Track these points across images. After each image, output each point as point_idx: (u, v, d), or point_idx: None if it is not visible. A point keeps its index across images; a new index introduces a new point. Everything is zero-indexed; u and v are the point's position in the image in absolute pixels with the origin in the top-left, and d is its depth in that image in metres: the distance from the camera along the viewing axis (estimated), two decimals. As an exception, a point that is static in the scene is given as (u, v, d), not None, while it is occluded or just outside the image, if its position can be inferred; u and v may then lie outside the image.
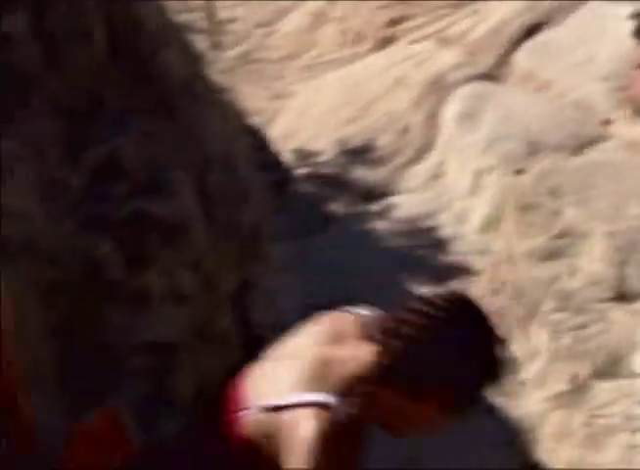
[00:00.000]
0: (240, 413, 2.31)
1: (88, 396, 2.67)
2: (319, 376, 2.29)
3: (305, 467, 2.20)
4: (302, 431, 2.21)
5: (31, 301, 2.72)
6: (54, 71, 3.32)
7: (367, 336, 2.31)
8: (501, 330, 4.94)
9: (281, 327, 4.53)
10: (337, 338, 2.33)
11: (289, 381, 2.31)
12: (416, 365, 2.29)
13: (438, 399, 2.30)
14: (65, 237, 2.95)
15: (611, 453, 4.28)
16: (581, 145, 5.86)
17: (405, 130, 6.48)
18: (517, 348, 5.07)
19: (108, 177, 3.22)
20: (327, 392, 2.26)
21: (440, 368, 2.28)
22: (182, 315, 3.17)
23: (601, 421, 4.51)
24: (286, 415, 2.24)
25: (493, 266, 5.44)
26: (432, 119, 6.47)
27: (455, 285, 5.39)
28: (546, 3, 7.19)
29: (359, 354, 2.28)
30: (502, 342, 2.42)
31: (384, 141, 6.44)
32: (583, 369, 4.74)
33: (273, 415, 2.25)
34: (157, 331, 3.05)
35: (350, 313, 2.33)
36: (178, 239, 3.34)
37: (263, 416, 2.25)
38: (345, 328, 2.35)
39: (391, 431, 2.39)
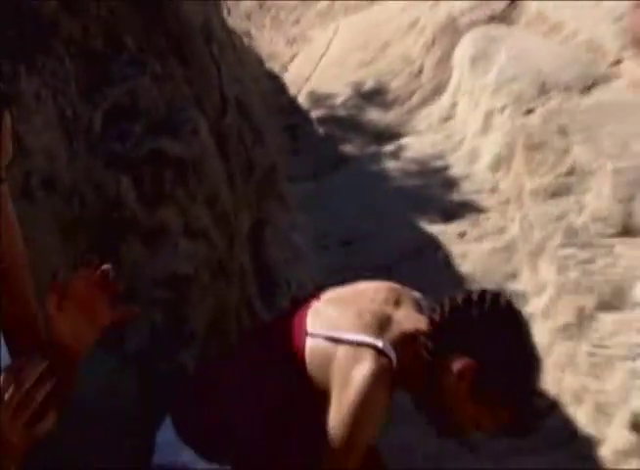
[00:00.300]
0: (303, 338, 2.38)
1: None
2: (379, 325, 2.38)
3: (354, 401, 2.27)
4: (359, 368, 2.29)
5: (52, 236, 2.73)
6: (72, 15, 3.25)
7: (423, 310, 2.40)
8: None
9: (295, 264, 4.60)
10: (395, 302, 2.41)
11: (352, 321, 2.39)
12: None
13: (495, 409, 2.37)
14: (84, 174, 2.94)
15: (614, 381, 4.29)
16: (590, 85, 5.82)
17: (418, 73, 6.46)
18: (525, 282, 5.09)
19: (126, 116, 3.20)
20: (384, 340, 2.33)
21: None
22: (198, 250, 3.16)
23: (604, 351, 4.52)
24: (343, 348, 2.32)
25: (502, 204, 5.44)
26: (444, 62, 6.45)
27: (466, 224, 5.42)
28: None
29: (415, 321, 2.36)
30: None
31: (397, 84, 6.43)
32: (589, 302, 4.74)
33: (332, 345, 2.32)
34: (173, 265, 3.04)
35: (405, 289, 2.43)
36: (194, 177, 3.33)
37: (324, 344, 2.32)
38: (403, 298, 2.43)
39: (437, 419, 2.45)
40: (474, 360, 2.25)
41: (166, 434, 2.42)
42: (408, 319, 2.37)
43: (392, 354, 2.31)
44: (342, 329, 2.37)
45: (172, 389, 2.59)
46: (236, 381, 2.46)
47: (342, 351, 2.33)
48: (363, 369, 2.29)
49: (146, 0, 3.72)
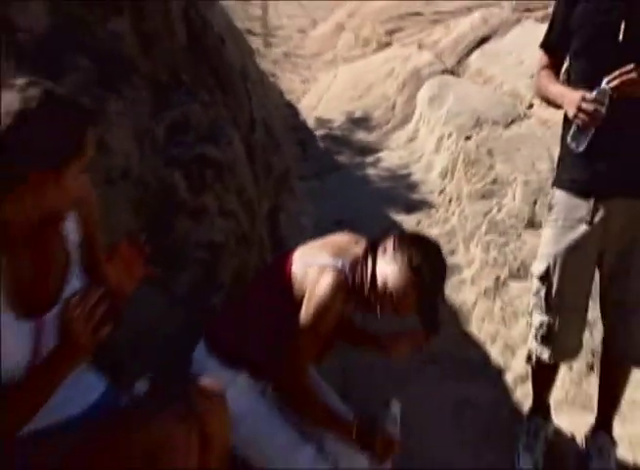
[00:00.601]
0: (290, 268, 2.38)
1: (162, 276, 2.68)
2: (340, 252, 2.36)
3: (317, 302, 2.28)
4: (322, 281, 2.29)
5: (126, 213, 2.71)
6: (147, 57, 3.23)
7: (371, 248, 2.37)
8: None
9: (302, 239, 4.56)
10: (355, 242, 2.40)
11: (321, 251, 2.39)
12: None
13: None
14: (150, 170, 2.90)
15: (517, 328, 4.28)
16: (510, 121, 5.80)
17: (392, 107, 6.40)
18: (460, 258, 5.06)
19: (181, 130, 3.16)
20: (342, 262, 2.32)
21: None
22: (229, 226, 3.13)
23: (512, 308, 4.50)
24: (312, 269, 2.32)
25: (447, 202, 5.41)
26: (411, 100, 6.40)
27: (421, 215, 5.38)
28: (494, 20, 7.03)
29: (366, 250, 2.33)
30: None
31: (377, 114, 6.37)
32: (503, 273, 4.72)
33: (307, 269, 2.32)
34: (210, 235, 3.00)
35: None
36: (228, 175, 3.29)
37: (302, 269, 2.32)
38: (361, 240, 2.41)
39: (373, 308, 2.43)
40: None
41: (199, 352, 2.43)
42: (362, 249, 2.37)
43: (347, 271, 2.31)
44: (314, 257, 2.38)
45: (205, 320, 2.60)
46: (248, 305, 2.46)
47: (311, 271, 2.33)
48: (324, 281, 2.29)
49: (198, 48, 3.69)
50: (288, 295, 2.35)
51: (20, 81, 1.62)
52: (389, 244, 2.34)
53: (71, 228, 1.84)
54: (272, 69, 6.91)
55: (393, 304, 2.30)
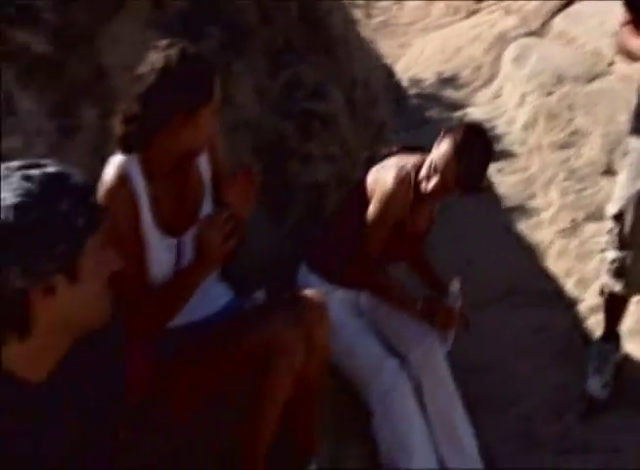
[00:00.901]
0: (365, 183, 2.42)
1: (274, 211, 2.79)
2: (407, 159, 2.41)
3: (382, 194, 2.34)
4: (388, 177, 2.34)
5: (247, 156, 2.83)
6: (265, 26, 3.30)
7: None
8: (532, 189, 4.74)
9: None
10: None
11: (390, 161, 2.40)
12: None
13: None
14: (267, 120, 3.00)
15: (591, 264, 4.18)
16: (592, 77, 5.51)
17: (479, 67, 6.20)
18: (539, 201, 4.94)
19: (293, 88, 3.22)
20: (407, 163, 2.32)
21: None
22: (332, 169, 3.19)
23: (586, 246, 4.39)
24: (383, 171, 2.35)
25: (528, 152, 5.26)
26: (496, 61, 6.17)
27: (503, 163, 5.26)
28: (579, -15, 6.63)
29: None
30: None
31: (465, 74, 6.19)
32: (579, 215, 4.60)
33: (377, 174, 2.36)
34: (315, 177, 3.07)
35: None
36: (332, 126, 3.33)
37: (373, 177, 2.35)
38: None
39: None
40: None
41: (302, 273, 2.52)
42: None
43: (410, 168, 2.35)
44: (383, 167, 2.44)
45: (309, 245, 2.70)
46: (337, 225, 2.54)
47: (379, 174, 2.41)
48: (389, 176, 2.35)
49: (308, 18, 3.73)
50: (364, 203, 2.40)
51: (161, 43, 1.76)
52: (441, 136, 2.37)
53: (204, 163, 1.98)
54: (372, 36, 6.82)
55: (440, 180, 2.28)
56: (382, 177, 2.39)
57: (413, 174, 2.35)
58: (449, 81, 5.95)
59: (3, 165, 1.08)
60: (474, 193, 2.42)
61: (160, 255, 1.86)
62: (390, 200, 2.32)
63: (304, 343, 1.88)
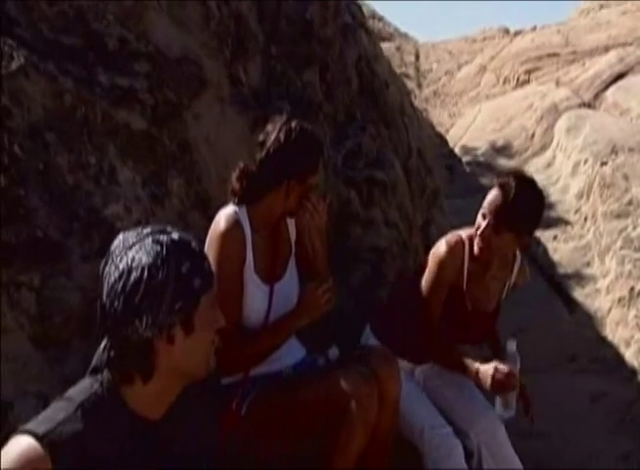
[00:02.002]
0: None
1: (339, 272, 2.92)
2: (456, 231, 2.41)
3: (432, 259, 2.38)
4: (439, 243, 2.41)
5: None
6: (329, 100, 3.53)
7: None
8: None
9: None
10: None
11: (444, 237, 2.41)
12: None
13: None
14: (332, 187, 3.17)
15: (651, 334, 4.18)
16: (645, 148, 5.62)
17: (531, 137, 6.37)
18: (595, 269, 4.98)
19: (354, 157, 3.43)
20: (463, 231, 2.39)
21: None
22: (392, 234, 3.35)
23: (645, 315, 4.40)
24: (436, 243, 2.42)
25: (583, 220, 5.34)
26: (549, 131, 6.34)
27: (557, 230, 5.34)
28: (630, 58, 6.82)
29: None
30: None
31: (517, 143, 6.37)
32: (637, 285, 4.62)
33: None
34: (377, 241, 3.23)
35: None
36: (391, 193, 3.52)
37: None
38: None
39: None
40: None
41: (365, 335, 2.56)
42: None
43: (464, 235, 2.31)
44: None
45: (372, 309, 2.81)
46: (403, 298, 2.55)
47: (437, 243, 2.41)
48: (440, 242, 2.38)
49: (367, 91, 3.97)
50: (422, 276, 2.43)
51: (279, 119, 2.01)
52: None
53: (292, 226, 2.19)
54: (424, 105, 7.13)
55: (488, 222, 2.23)
56: (435, 245, 2.44)
57: (467, 241, 2.35)
58: (502, 149, 6.14)
59: (136, 231, 1.24)
60: (527, 240, 2.34)
61: (256, 299, 2.05)
62: (441, 261, 2.33)
63: (377, 396, 1.97)
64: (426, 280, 2.39)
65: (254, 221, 2.05)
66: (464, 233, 2.40)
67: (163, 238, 1.23)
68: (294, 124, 2.03)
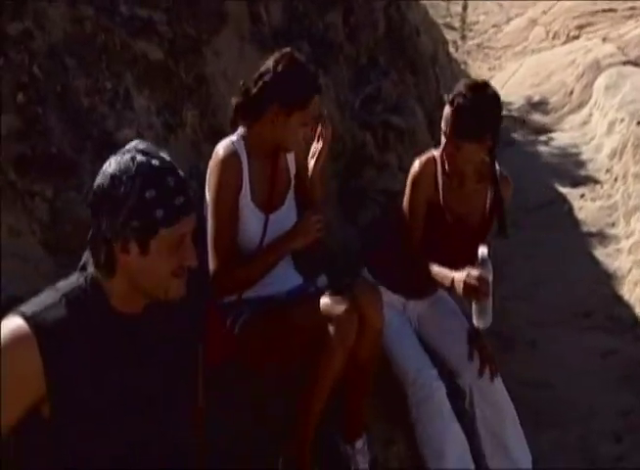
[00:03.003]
0: None
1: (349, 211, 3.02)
2: None
3: (408, 183, 2.48)
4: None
5: (328, 160, 3.06)
6: (351, 43, 3.59)
7: None
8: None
9: None
10: None
11: None
12: None
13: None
14: (348, 130, 3.27)
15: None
16: (685, 108, 5.46)
17: (570, 93, 6.24)
18: (620, 230, 4.93)
19: (373, 101, 3.48)
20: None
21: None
22: (406, 178, 3.37)
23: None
24: None
25: (612, 180, 5.27)
26: (588, 88, 6.19)
27: (586, 189, 5.28)
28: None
29: None
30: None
31: (554, 99, 6.24)
32: (661, 243, 4.56)
33: None
34: (390, 185, 3.27)
35: None
36: (408, 139, 3.55)
37: None
38: None
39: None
40: None
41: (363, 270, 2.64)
42: None
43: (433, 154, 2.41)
44: None
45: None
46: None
47: None
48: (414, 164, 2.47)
49: (395, 37, 3.99)
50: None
51: (276, 54, 2.11)
52: None
53: (292, 162, 2.31)
54: (464, 58, 7.03)
55: (445, 138, 2.26)
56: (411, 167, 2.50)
57: (439, 158, 2.37)
58: (537, 105, 6.04)
59: (136, 142, 1.34)
60: (489, 144, 2.30)
61: (251, 226, 2.18)
62: (415, 179, 2.41)
63: (357, 322, 2.06)
64: (404, 201, 2.46)
65: (251, 151, 2.17)
66: (436, 151, 2.43)
67: (142, 159, 1.30)
68: (287, 54, 2.13)
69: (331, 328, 2.05)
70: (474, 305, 2.28)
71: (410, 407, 2.48)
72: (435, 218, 2.45)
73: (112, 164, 1.32)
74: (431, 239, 2.46)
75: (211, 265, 2.15)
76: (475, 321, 2.31)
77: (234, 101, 2.19)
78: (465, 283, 2.24)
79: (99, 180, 1.33)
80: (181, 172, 1.34)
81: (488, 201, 2.48)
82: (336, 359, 2.06)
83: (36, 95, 2.05)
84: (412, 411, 2.48)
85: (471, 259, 2.28)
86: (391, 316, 2.39)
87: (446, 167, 2.36)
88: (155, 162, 1.31)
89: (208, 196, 2.17)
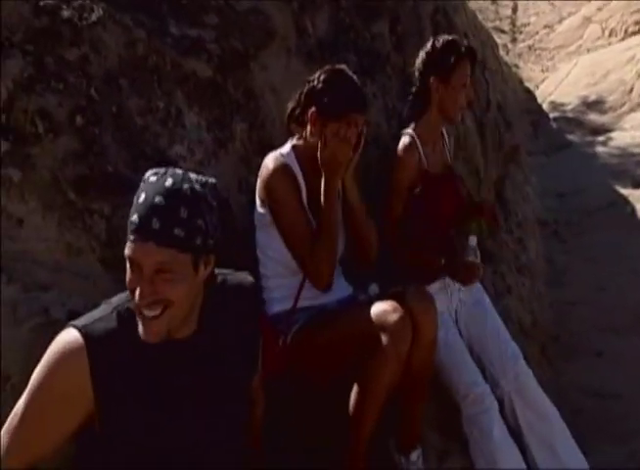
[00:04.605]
0: None
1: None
2: None
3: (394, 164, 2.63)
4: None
5: (377, 169, 3.07)
6: (398, 52, 3.55)
7: None
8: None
9: (525, 205, 4.47)
10: None
11: None
12: None
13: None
14: (397, 138, 3.18)
15: None
16: None
17: (629, 91, 6.05)
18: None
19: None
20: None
21: None
22: None
23: None
24: None
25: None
26: (648, 85, 6.02)
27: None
28: None
29: None
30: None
31: (612, 98, 6.08)
32: None
33: None
34: None
35: None
36: (458, 146, 3.46)
37: None
38: None
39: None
40: None
41: None
42: None
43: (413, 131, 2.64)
44: None
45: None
46: None
47: None
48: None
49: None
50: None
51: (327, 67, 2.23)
52: None
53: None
54: (516, 61, 6.92)
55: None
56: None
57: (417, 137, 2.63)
58: (594, 105, 5.90)
59: (192, 174, 1.36)
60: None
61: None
62: (399, 165, 2.58)
63: (411, 330, 2.08)
64: (392, 181, 2.60)
65: (302, 162, 2.22)
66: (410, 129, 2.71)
67: (153, 176, 1.35)
68: (337, 66, 2.18)
69: (384, 337, 2.06)
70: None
71: (462, 421, 2.49)
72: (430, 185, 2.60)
73: (171, 179, 1.37)
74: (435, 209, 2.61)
75: (301, 265, 2.19)
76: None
77: (289, 105, 2.26)
78: (464, 268, 2.48)
79: None
80: (187, 206, 1.32)
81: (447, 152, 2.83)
82: (389, 369, 2.07)
83: (93, 117, 2.15)
84: (464, 425, 2.49)
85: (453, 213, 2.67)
86: (442, 324, 2.38)
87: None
88: (168, 181, 1.34)
89: (265, 207, 2.21)
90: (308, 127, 2.23)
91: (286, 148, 2.29)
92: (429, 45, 2.70)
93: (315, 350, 2.20)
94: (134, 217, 1.31)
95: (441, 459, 2.54)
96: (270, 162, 2.23)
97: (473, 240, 2.51)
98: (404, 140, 2.64)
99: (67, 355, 1.33)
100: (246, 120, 2.67)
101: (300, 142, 2.29)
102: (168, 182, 1.32)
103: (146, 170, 2.05)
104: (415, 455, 2.37)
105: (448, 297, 2.63)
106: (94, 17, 2.30)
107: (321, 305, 2.31)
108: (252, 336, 1.59)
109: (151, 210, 1.29)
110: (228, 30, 2.73)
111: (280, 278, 2.30)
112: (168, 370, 1.39)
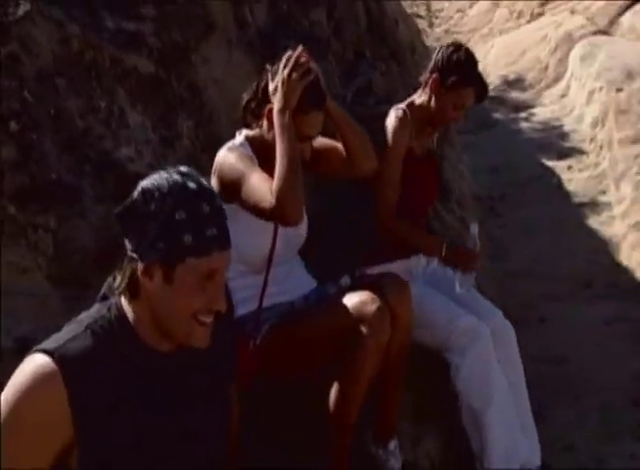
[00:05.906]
0: None
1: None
2: None
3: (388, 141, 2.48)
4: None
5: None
6: (337, 38, 3.44)
7: None
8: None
9: (462, 183, 4.39)
10: None
11: None
12: None
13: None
14: None
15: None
16: (662, 73, 5.38)
17: (545, 68, 6.14)
18: (611, 196, 4.87)
19: (364, 94, 3.32)
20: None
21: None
22: None
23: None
24: None
25: (598, 148, 5.19)
26: (563, 61, 6.11)
27: (572, 160, 5.20)
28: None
29: None
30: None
31: (531, 75, 6.15)
32: (652, 208, 4.50)
33: None
34: None
35: None
36: None
37: None
38: None
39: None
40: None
41: None
42: None
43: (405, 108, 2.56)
44: None
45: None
46: None
47: None
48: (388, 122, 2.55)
49: (377, 29, 3.84)
50: None
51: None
52: None
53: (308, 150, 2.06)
54: (436, 44, 6.91)
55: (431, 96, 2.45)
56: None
57: (409, 111, 2.53)
58: (514, 83, 5.95)
59: (182, 167, 1.21)
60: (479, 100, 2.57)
61: (259, 236, 2.02)
62: (393, 142, 2.47)
63: (389, 319, 1.95)
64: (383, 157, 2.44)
65: (257, 152, 2.02)
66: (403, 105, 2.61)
67: (178, 178, 1.18)
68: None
69: (364, 328, 1.93)
70: (459, 274, 2.40)
71: (453, 358, 2.37)
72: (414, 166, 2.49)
73: (147, 180, 1.20)
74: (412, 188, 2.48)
75: (266, 212, 1.92)
76: (457, 288, 2.41)
77: (244, 97, 2.08)
78: (464, 255, 2.38)
79: (133, 194, 1.20)
80: (219, 202, 1.20)
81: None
82: (369, 361, 1.95)
83: (30, 121, 1.87)
84: (456, 361, 2.37)
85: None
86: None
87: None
88: (192, 184, 1.18)
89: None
90: (265, 123, 2.02)
91: (239, 139, 2.08)
92: (449, 51, 2.52)
93: (291, 348, 2.04)
94: (211, 230, 1.18)
95: (415, 445, 2.43)
96: (224, 151, 2.02)
97: (474, 228, 2.40)
98: (398, 113, 2.53)
99: (39, 386, 1.15)
100: (191, 117, 2.44)
101: (253, 133, 2.09)
102: (198, 185, 1.19)
103: (92, 176, 1.78)
104: (392, 445, 2.24)
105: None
106: (21, 11, 2.01)
107: (288, 303, 2.13)
108: (230, 340, 1.46)
109: (214, 217, 1.19)
110: (166, 23, 2.48)
111: (242, 278, 2.09)
112: (151, 384, 1.26)
